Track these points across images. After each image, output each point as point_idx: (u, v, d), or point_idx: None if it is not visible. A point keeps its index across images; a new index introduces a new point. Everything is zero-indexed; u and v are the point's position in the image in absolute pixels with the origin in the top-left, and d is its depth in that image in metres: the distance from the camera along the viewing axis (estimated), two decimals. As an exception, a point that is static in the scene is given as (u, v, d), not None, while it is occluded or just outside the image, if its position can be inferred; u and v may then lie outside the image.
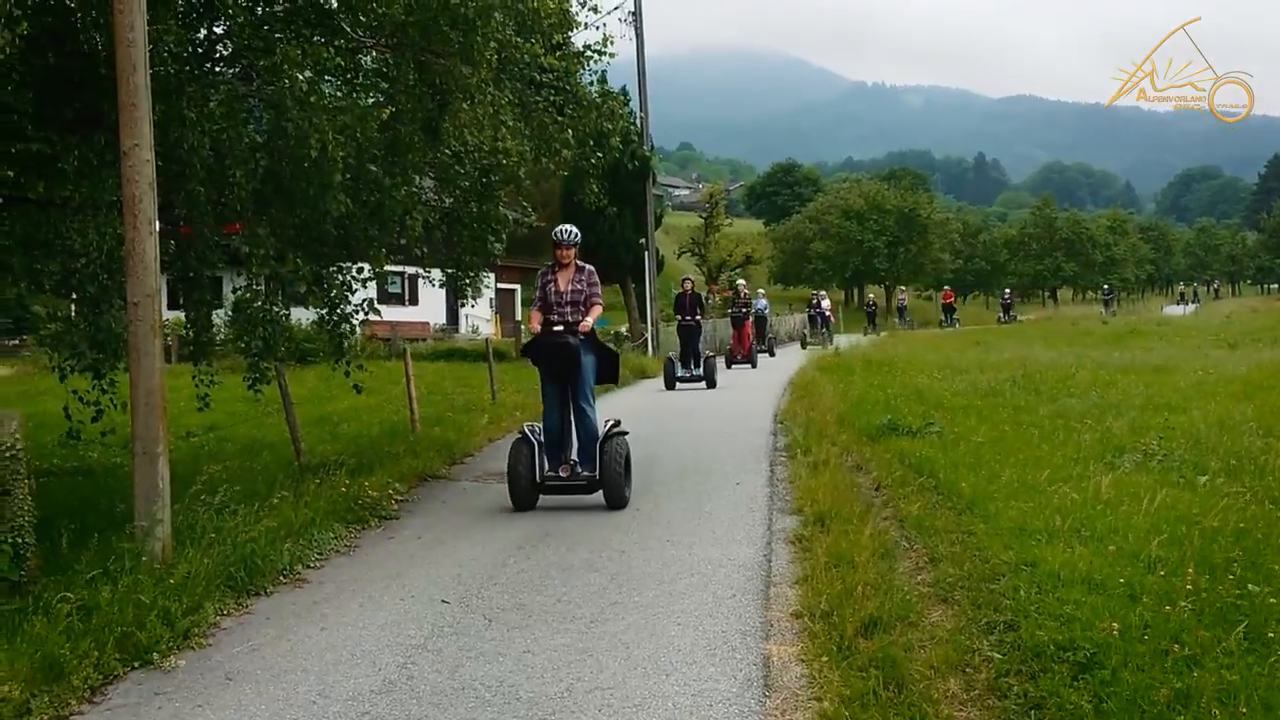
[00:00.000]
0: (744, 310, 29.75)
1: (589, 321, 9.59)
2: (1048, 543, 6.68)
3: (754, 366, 28.70)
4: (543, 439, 9.71)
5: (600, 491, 9.63)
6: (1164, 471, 8.97)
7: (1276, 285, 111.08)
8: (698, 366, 22.30)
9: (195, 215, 9.25)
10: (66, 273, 8.34)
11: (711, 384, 21.89)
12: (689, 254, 59.63)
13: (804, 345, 40.10)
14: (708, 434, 14.78)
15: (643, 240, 34.71)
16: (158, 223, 7.20)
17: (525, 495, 9.58)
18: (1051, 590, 5.72)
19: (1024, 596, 5.72)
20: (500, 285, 44.82)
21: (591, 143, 12.59)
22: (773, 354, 35.76)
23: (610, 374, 10.11)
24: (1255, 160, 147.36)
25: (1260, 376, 16.83)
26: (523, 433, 9.82)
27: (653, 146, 36.52)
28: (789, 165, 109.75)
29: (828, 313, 44.98)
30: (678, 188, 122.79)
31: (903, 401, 15.08)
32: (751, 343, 29.58)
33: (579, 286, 9.72)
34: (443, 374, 24.63)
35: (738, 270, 57.47)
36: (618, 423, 9.97)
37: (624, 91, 16.32)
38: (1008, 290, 69.56)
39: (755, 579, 7.10)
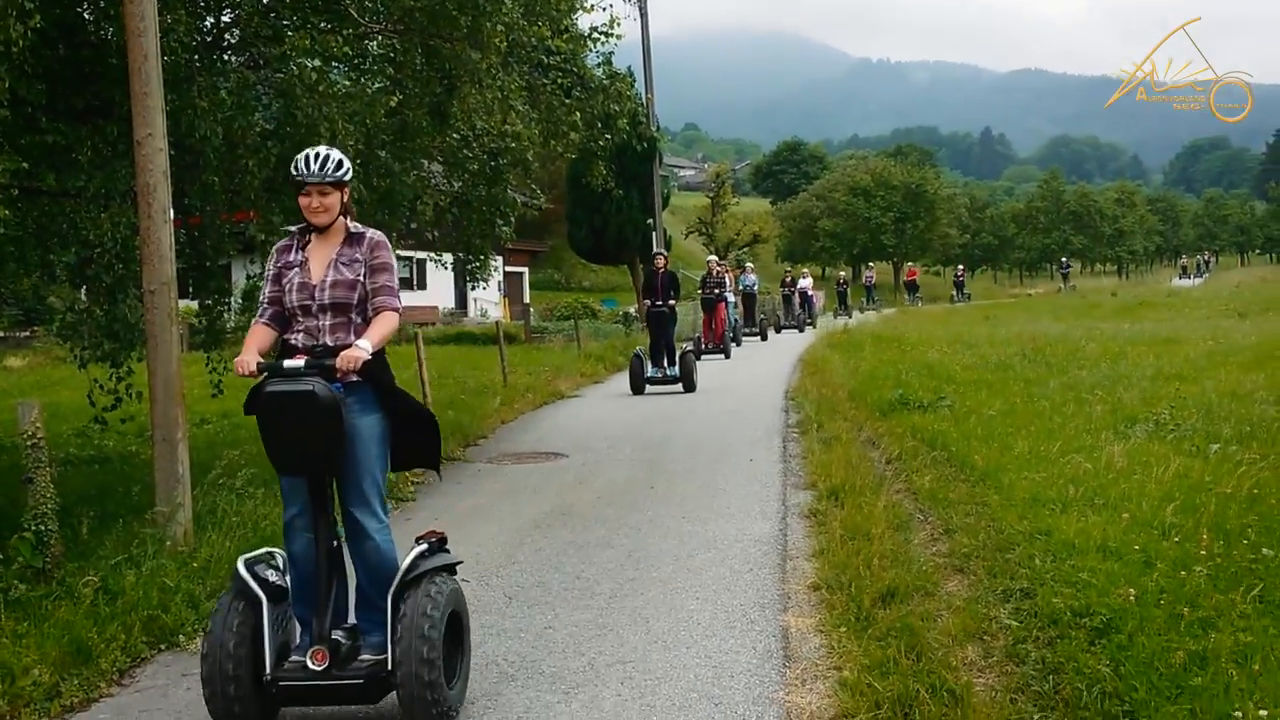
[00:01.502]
0: (716, 291, 25.52)
1: (359, 352, 4.52)
2: (1062, 512, 6.72)
3: (726, 356, 24.87)
4: (288, 582, 4.79)
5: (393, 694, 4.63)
6: (1176, 440, 9.00)
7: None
8: (671, 364, 17.79)
9: (209, 204, 9.29)
10: (81, 263, 8.39)
11: (689, 386, 17.43)
12: (696, 234, 59.58)
13: (777, 329, 36.91)
14: (719, 413, 14.84)
15: (650, 221, 34.68)
16: (171, 211, 7.26)
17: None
18: (1066, 558, 5.77)
19: (1039, 565, 5.77)
20: (508, 268, 44.86)
21: (599, 125, 12.62)
22: (764, 337, 33.03)
23: (427, 452, 5.07)
24: (1263, 130, 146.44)
25: (1270, 345, 16.81)
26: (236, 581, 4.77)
27: (659, 127, 36.41)
28: (795, 143, 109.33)
29: (810, 292, 41.85)
30: (684, 168, 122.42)
31: (913, 376, 15.12)
32: (725, 330, 25.53)
33: (348, 275, 4.77)
34: (453, 358, 24.69)
35: (745, 250, 57.39)
36: (440, 543, 4.93)
37: (629, 73, 16.28)
38: (960, 268, 68.04)
39: (771, 553, 7.16)
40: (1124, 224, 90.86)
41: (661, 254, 20.10)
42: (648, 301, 18.97)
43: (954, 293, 60.41)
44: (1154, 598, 4.96)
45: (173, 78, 7.92)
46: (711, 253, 56.31)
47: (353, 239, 4.83)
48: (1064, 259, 77.74)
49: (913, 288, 58.14)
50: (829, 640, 5.39)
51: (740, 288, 33.43)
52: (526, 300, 46.55)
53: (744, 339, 31.10)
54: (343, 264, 4.75)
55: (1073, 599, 5.11)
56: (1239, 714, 3.79)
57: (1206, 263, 79.19)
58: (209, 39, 9.51)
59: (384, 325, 4.67)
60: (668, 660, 5.24)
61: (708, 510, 8.58)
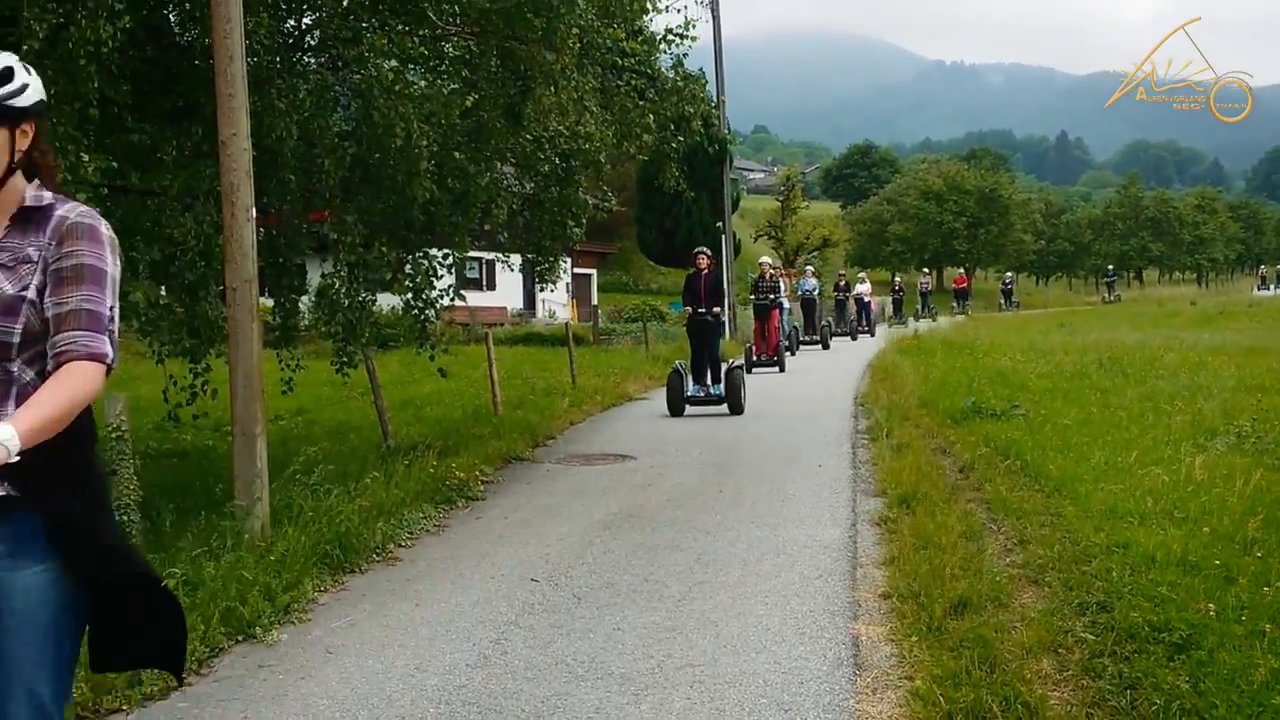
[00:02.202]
0: (769, 297, 23.09)
1: (26, 420, 2.40)
2: (1140, 524, 6.61)
3: (781, 369, 22.80)
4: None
5: None
6: (1258, 454, 8.82)
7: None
8: (716, 381, 15.49)
9: (285, 203, 9.46)
10: (165, 260, 8.58)
11: (735, 407, 15.22)
12: (765, 237, 59.39)
13: (825, 341, 31.83)
14: (789, 417, 14.79)
15: (720, 224, 34.65)
16: (254, 210, 7.39)
17: None
18: (1145, 571, 5.67)
19: (1116, 578, 5.67)
20: (576, 270, 45.04)
21: (672, 126, 12.63)
22: (826, 345, 30.76)
23: (161, 642, 2.91)
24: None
25: (1358, 357, 16.38)
26: None
27: (730, 129, 36.33)
28: (866, 147, 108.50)
29: (867, 299, 38.55)
30: (753, 171, 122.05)
31: (986, 384, 14.95)
32: (778, 340, 23.18)
33: (4, 286, 2.62)
34: (521, 358, 24.86)
35: (814, 254, 57.08)
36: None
37: (701, 74, 16.21)
38: (1008, 275, 65.81)
39: (841, 560, 7.11)
40: (1204, 231, 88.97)
41: (704, 252, 16.43)
42: (688, 310, 16.31)
43: (1001, 301, 58.73)
44: (1235, 614, 4.85)
45: (254, 79, 8.06)
46: (780, 258, 56.13)
47: (31, 219, 2.69)
48: (1109, 267, 75.95)
49: (962, 295, 55.32)
50: (900, 649, 5.34)
51: (799, 293, 31.80)
52: (594, 302, 46.72)
53: (802, 348, 29.51)
54: (22, 272, 2.63)
55: (1151, 613, 5.02)
56: (1325, 735, 3.70)
57: (1278, 275, 76.53)
58: (290, 40, 9.67)
59: (62, 393, 2.51)
60: (737, 665, 5.22)
61: (777, 515, 8.55)
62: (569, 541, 7.95)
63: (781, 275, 28.81)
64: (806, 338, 30.55)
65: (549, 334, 32.06)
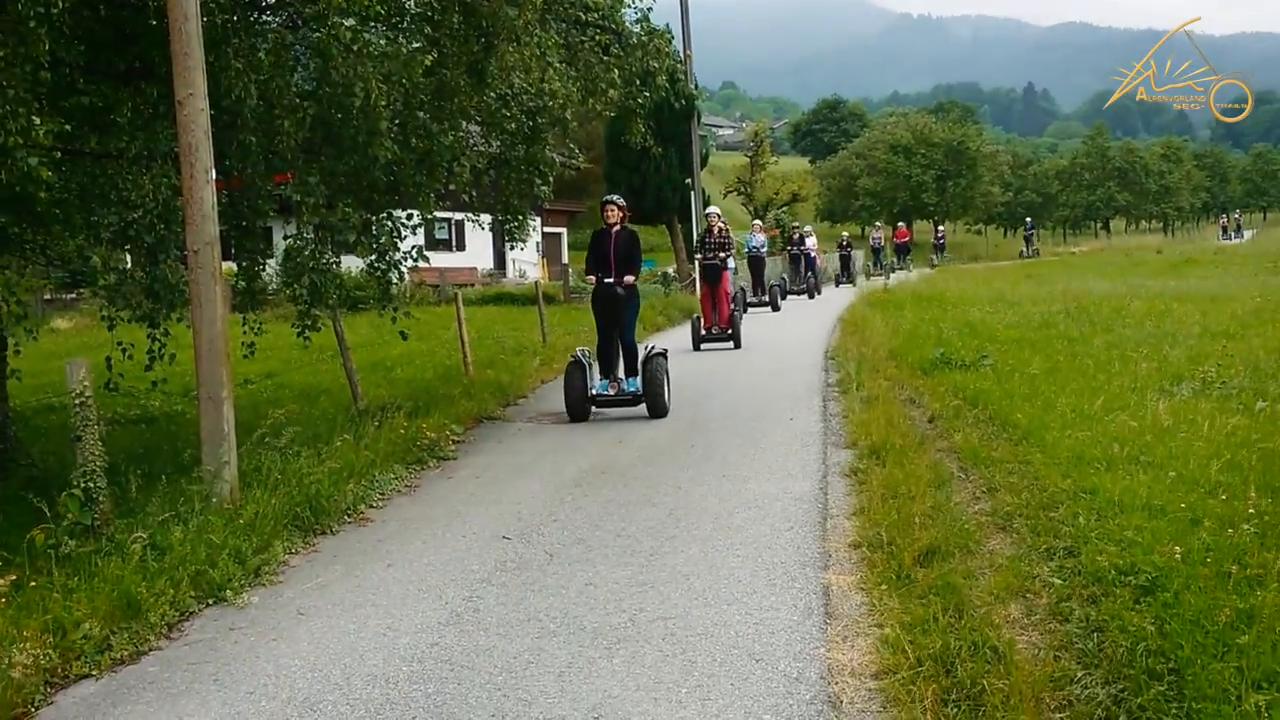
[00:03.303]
0: (720, 256, 19.28)
1: None
2: (1106, 470, 6.66)
3: (737, 345, 18.54)
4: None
5: None
6: (1222, 398, 8.89)
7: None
8: (630, 375, 11.88)
9: (247, 165, 9.32)
10: (123, 224, 8.46)
11: (657, 410, 11.46)
12: (735, 193, 59.28)
13: (781, 296, 29.75)
14: (760, 371, 14.80)
15: (688, 180, 34.51)
16: (213, 172, 7.29)
17: None
18: (1111, 516, 5.72)
19: (1083, 523, 5.72)
20: (546, 229, 44.84)
21: (638, 82, 12.52)
22: (776, 308, 27.49)
23: None
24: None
25: (1321, 302, 16.55)
26: None
27: (697, 85, 36.06)
28: (834, 101, 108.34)
29: (813, 254, 35.41)
30: (722, 127, 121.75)
31: (955, 335, 15.01)
32: (731, 309, 18.88)
33: None
34: (492, 318, 24.79)
35: (784, 209, 57.02)
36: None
37: (667, 29, 15.96)
38: (940, 228, 61.07)
39: (812, 511, 7.15)
40: (1170, 180, 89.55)
41: (613, 202, 11.95)
42: (592, 277, 12.17)
43: (933, 255, 54.23)
44: (1200, 556, 4.90)
45: (211, 38, 7.92)
46: (750, 213, 55.70)
47: None
48: (1028, 219, 70.25)
49: (903, 250, 50.03)
50: (870, 598, 5.38)
51: (746, 250, 28.10)
52: (565, 261, 46.57)
53: (750, 310, 25.98)
54: None
55: (1117, 557, 5.06)
56: (1287, 672, 3.75)
57: (1237, 223, 76.50)
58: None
59: None
60: (709, 617, 5.24)
61: (748, 469, 8.58)
62: (541, 499, 7.95)
63: (754, 230, 27.88)
64: (754, 298, 27.20)
65: (520, 293, 31.93)
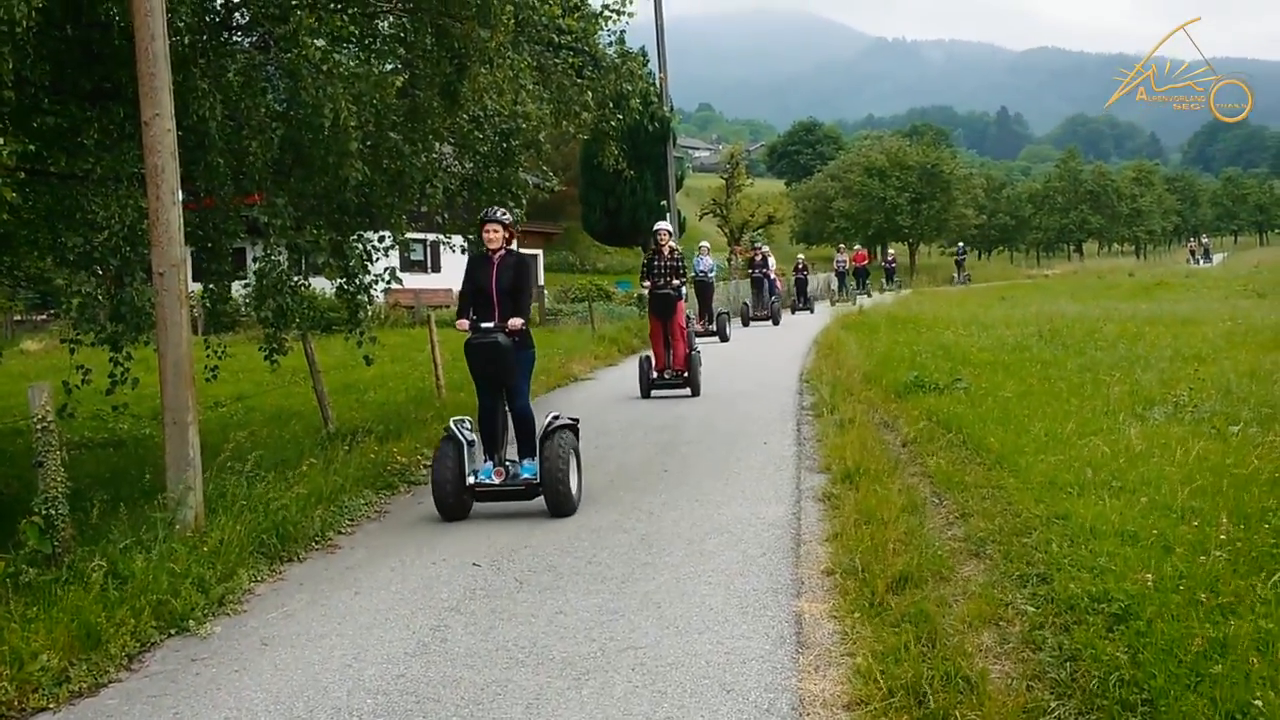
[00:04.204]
0: (673, 283, 15.10)
1: None
2: (1079, 495, 6.64)
3: (695, 392, 14.91)
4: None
5: None
6: (1195, 422, 8.91)
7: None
8: (527, 454, 8.55)
9: (215, 186, 9.24)
10: (89, 246, 8.35)
11: (559, 505, 8.16)
12: (711, 215, 59.37)
13: (745, 321, 30.03)
14: (734, 396, 14.76)
15: (664, 202, 34.55)
16: (180, 193, 7.20)
17: None
18: (1084, 543, 5.69)
19: (1056, 550, 5.69)
20: (522, 250, 44.72)
21: (611, 104, 12.50)
22: (725, 338, 24.31)
23: None
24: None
25: (1291, 326, 16.67)
26: None
27: (672, 108, 36.11)
28: (810, 124, 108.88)
29: (773, 276, 32.27)
30: (698, 149, 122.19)
31: (929, 358, 15.02)
32: (689, 351, 15.07)
33: None
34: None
35: (759, 231, 57.13)
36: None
37: (643, 52, 15.81)
38: (891, 253, 58.13)
39: (785, 537, 7.09)
40: (1142, 204, 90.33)
41: (493, 219, 8.62)
42: (464, 322, 8.49)
43: (883, 280, 50.42)
44: (1173, 583, 4.88)
45: (179, 59, 7.84)
46: (726, 235, 55.59)
47: None
48: (960, 244, 66.48)
49: (861, 274, 46.65)
50: (843, 626, 5.32)
51: (693, 275, 23.48)
52: (541, 283, 46.50)
53: (698, 338, 19.42)
54: None
55: (1090, 584, 5.04)
56: (1259, 703, 3.71)
57: (1205, 249, 76.56)
58: (218, 19, 9.43)
59: None
60: (680, 646, 5.18)
61: (721, 494, 8.52)
62: (512, 524, 7.87)
63: (701, 253, 24.59)
64: (699, 327, 22.78)
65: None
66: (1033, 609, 5.12)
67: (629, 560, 6.75)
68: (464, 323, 8.36)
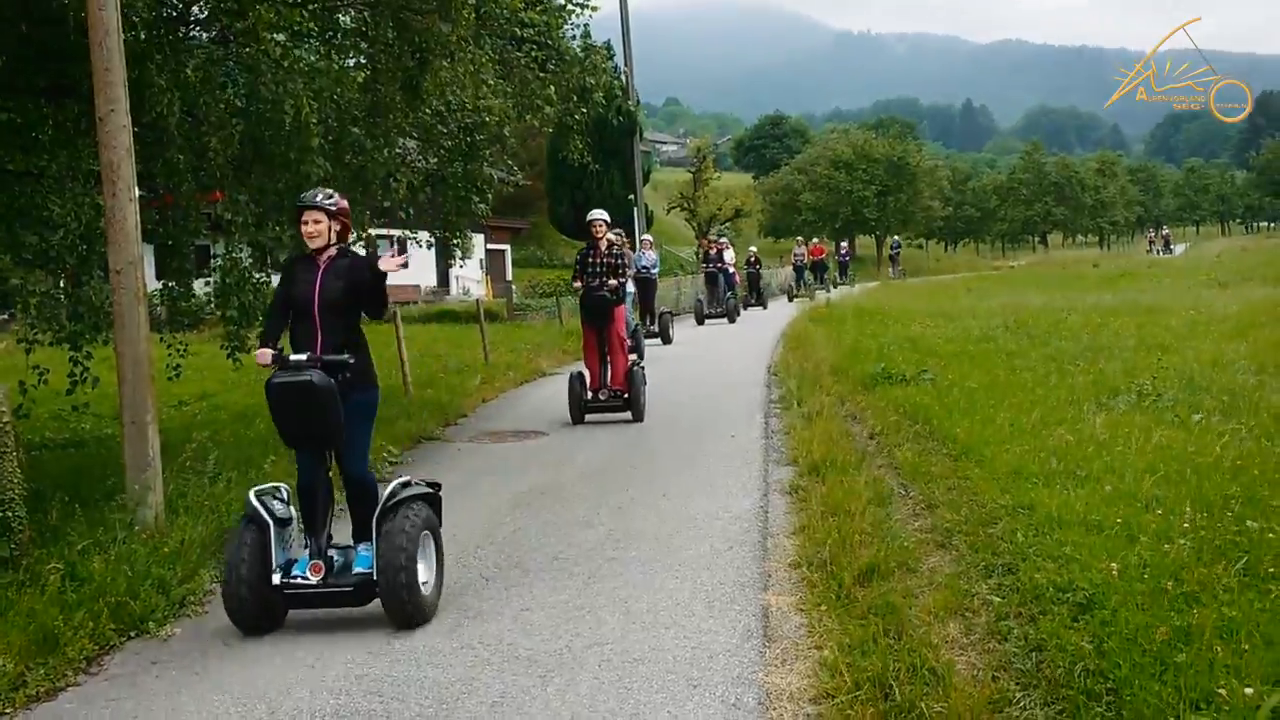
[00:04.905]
0: (611, 285, 12.33)
1: None
2: (1044, 485, 6.67)
3: (638, 416, 12.14)
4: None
5: None
6: (1158, 411, 8.97)
7: (1265, 224, 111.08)
8: (361, 537, 5.97)
9: (175, 183, 9.12)
10: (45, 244, 8.23)
11: (400, 612, 5.58)
12: (678, 209, 59.37)
13: (699, 319, 27.91)
14: (701, 390, 14.74)
15: (631, 196, 34.49)
16: (137, 190, 7.10)
17: None
18: (1049, 532, 5.71)
19: (1022, 539, 5.71)
20: (490, 246, 44.60)
21: (575, 98, 12.43)
22: (667, 339, 22.19)
23: None
24: (1241, 100, 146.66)
25: (1251, 314, 16.87)
26: None
27: (638, 101, 36.06)
28: (777, 117, 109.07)
29: (731, 269, 29.95)
30: (665, 143, 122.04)
31: (896, 350, 15.06)
32: (631, 365, 12.50)
33: None
34: (435, 336, 24.53)
35: (727, 225, 57.18)
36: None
37: (608, 46, 15.69)
38: (844, 245, 55.91)
39: (752, 530, 7.08)
40: (1105, 195, 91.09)
41: (315, 206, 5.86)
42: (267, 354, 5.98)
43: (836, 274, 47.74)
44: (1137, 572, 4.89)
45: (135, 54, 7.73)
46: (694, 229, 55.32)
47: None
48: (894, 238, 65.25)
49: (819, 267, 44.33)
50: (809, 619, 5.32)
51: (635, 270, 20.77)
52: (509, 278, 46.33)
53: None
54: None
55: (1055, 574, 5.05)
56: (1224, 691, 3.72)
57: (1165, 240, 76.75)
58: (174, 14, 9.31)
59: None
60: (646, 641, 5.15)
61: (688, 487, 8.50)
62: (477, 521, 7.82)
63: (625, 246, 18.08)
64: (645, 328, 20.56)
65: (463, 311, 31.65)
66: (998, 599, 5.12)
67: (596, 556, 6.72)
68: (265, 354, 5.87)
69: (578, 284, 12.54)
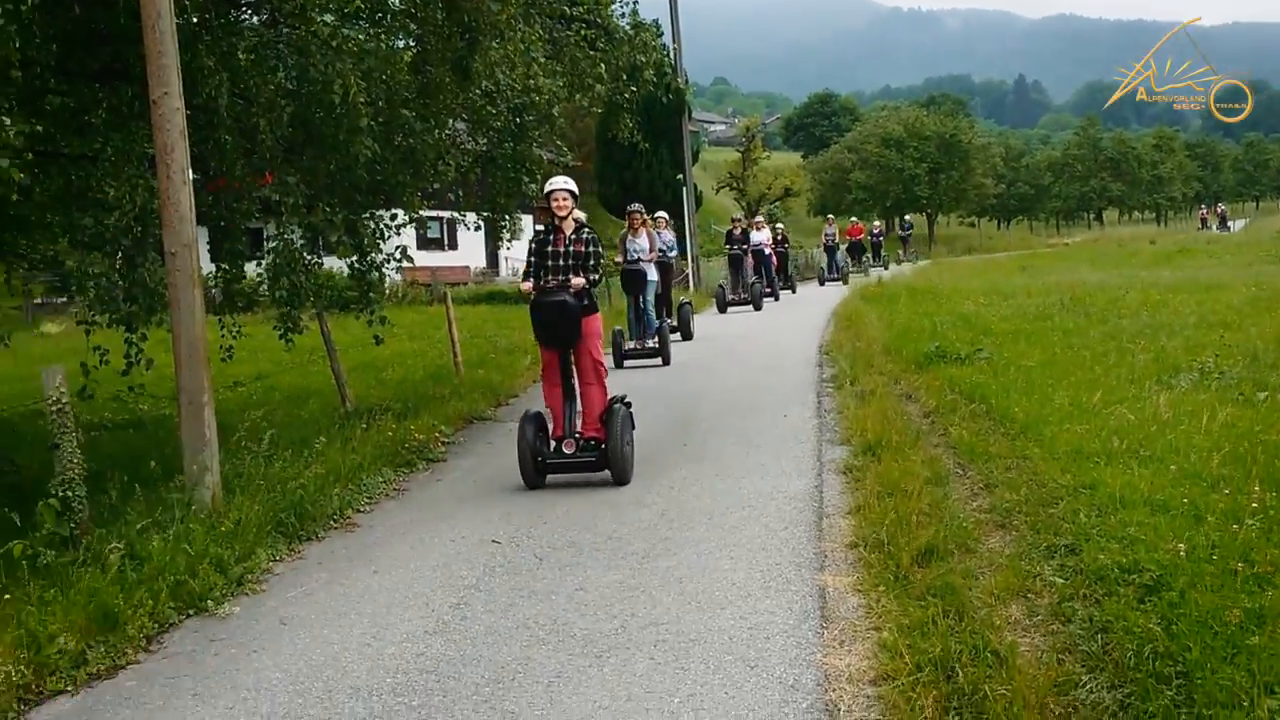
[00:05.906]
0: (577, 284, 8.42)
1: None
2: (1106, 465, 6.52)
3: (619, 479, 8.25)
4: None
5: None
6: (1222, 389, 8.77)
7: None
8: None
9: (225, 165, 9.17)
10: (100, 227, 8.30)
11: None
12: (727, 188, 59.12)
13: (721, 308, 25.14)
14: (754, 368, 14.65)
15: (680, 176, 34.34)
16: (190, 172, 7.13)
17: None
18: (1112, 512, 5.58)
19: (1084, 520, 5.59)
20: (538, 226, 44.67)
21: (624, 77, 12.36)
22: (688, 335, 19.02)
23: None
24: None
25: (1317, 290, 16.46)
26: None
27: (686, 80, 35.83)
28: (825, 95, 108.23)
29: (768, 250, 27.60)
30: (714, 123, 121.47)
31: (949, 328, 14.87)
32: (613, 403, 8.53)
33: None
34: (484, 317, 24.62)
35: (776, 204, 56.84)
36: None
37: (656, 24, 15.46)
38: (876, 225, 49.99)
39: (807, 510, 7.01)
40: (1162, 170, 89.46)
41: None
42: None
43: (870, 255, 44.31)
44: (1205, 553, 4.77)
45: (186, 37, 7.77)
46: (742, 209, 55.08)
47: None
48: (905, 217, 60.71)
49: (857, 250, 42.38)
50: (867, 600, 5.24)
51: (657, 253, 17.18)
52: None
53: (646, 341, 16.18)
54: None
55: (1120, 555, 4.93)
56: (1300, 675, 3.61)
57: (1221, 216, 71.79)
58: (227, -3, 9.34)
59: None
60: (702, 622, 5.10)
61: (742, 467, 8.43)
62: (531, 501, 7.82)
63: (659, 227, 17.84)
64: (638, 345, 16.36)
65: (513, 292, 31.71)
66: (1061, 580, 5.02)
67: (650, 535, 6.68)
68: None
69: (526, 285, 8.63)
